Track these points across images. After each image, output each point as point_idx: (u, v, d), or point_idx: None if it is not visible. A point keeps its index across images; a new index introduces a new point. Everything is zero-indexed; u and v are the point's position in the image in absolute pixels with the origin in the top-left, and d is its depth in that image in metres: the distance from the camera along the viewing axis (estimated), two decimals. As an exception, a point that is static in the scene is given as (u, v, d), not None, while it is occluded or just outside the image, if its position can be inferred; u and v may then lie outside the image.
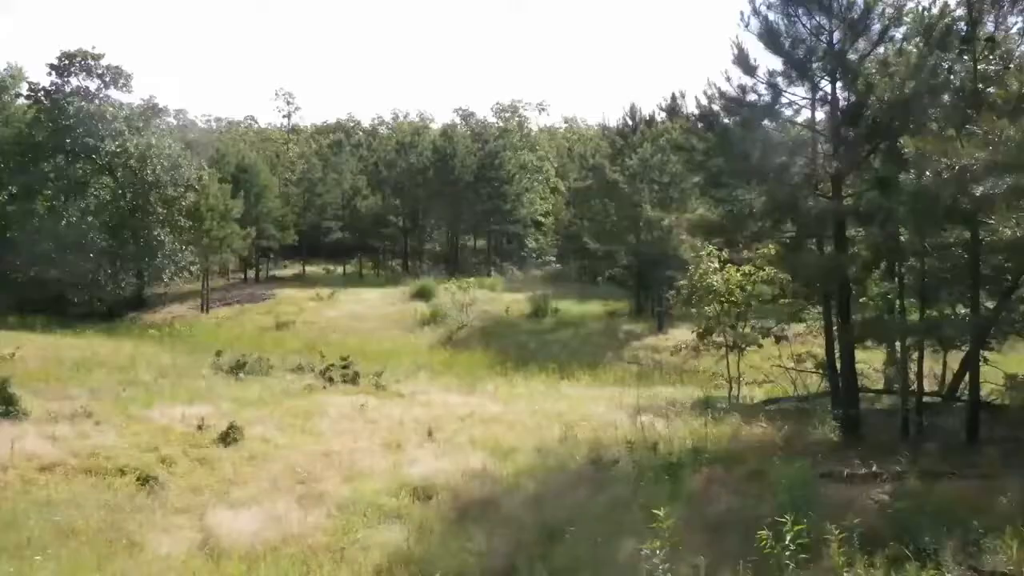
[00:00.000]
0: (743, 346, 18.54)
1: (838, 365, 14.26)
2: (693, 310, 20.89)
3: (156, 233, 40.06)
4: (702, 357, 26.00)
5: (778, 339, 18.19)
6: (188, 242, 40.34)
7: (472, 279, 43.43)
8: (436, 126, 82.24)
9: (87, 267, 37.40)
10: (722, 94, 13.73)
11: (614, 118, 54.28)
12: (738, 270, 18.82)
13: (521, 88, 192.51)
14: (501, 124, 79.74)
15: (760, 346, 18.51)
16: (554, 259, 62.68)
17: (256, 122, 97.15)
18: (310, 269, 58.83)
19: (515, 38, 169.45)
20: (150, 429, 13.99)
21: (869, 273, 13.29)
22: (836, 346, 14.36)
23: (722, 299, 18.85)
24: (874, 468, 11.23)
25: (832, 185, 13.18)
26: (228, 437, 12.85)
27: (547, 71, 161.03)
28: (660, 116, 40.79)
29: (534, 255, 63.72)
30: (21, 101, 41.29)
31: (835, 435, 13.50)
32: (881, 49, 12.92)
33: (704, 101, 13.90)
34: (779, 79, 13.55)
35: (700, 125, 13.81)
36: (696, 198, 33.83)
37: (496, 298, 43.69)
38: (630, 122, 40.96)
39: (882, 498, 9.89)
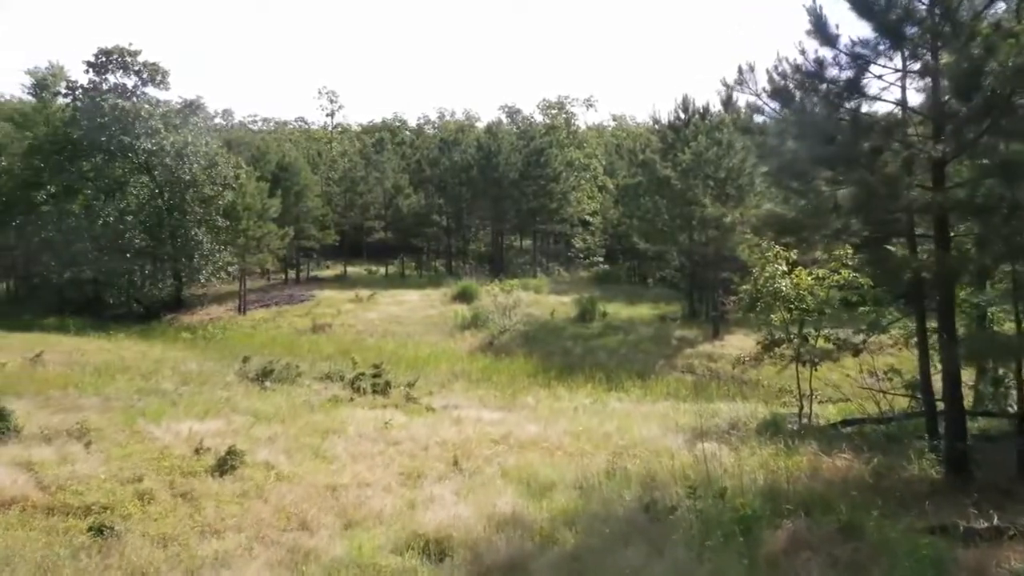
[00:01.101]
0: (816, 360, 16.30)
1: (934, 385, 12.08)
2: (758, 317, 18.65)
3: (193, 233, 39.19)
4: (762, 367, 23.79)
5: (855, 352, 15.89)
6: (225, 242, 39.40)
7: (516, 280, 41.72)
8: (482, 125, 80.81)
9: (123, 268, 36.64)
10: (796, 68, 11.64)
11: (665, 111, 52.24)
12: (810, 273, 16.61)
13: (568, 84, 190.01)
14: (547, 121, 77.84)
15: (836, 360, 16.24)
16: (602, 260, 60.51)
17: (306, 123, 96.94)
18: (352, 270, 57.76)
19: (563, 34, 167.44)
20: (145, 451, 12.49)
21: (988, 277, 11.08)
22: (930, 363, 12.21)
23: (791, 306, 16.64)
24: (996, 521, 9.08)
25: (933, 173, 10.98)
26: (225, 464, 11.25)
27: (595, 67, 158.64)
28: (715, 108, 38.37)
29: (581, 255, 61.61)
30: (61, 100, 40.79)
31: (936, 472, 11.31)
32: (998, 8, 10.70)
33: (776, 77, 11.84)
34: (866, 49, 11.41)
35: (773, 104, 11.66)
36: (755, 194, 31.49)
37: (541, 300, 41.84)
38: (682, 115, 38.64)
39: (1018, 568, 7.77)
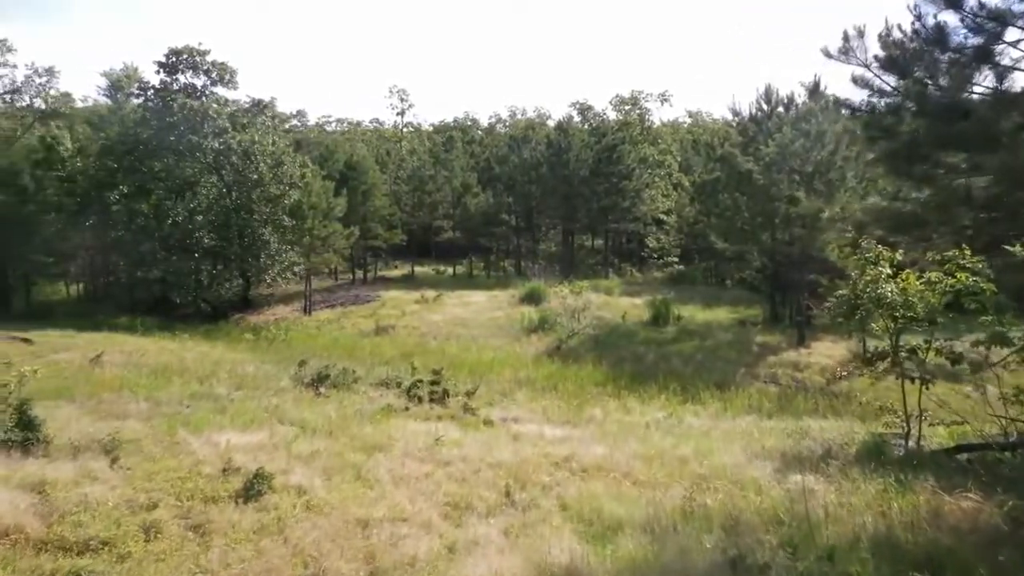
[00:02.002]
0: (927, 378, 14.15)
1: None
2: (853, 324, 16.52)
3: (261, 233, 38.93)
4: (855, 378, 21.55)
5: (975, 368, 13.69)
6: (291, 242, 39.03)
7: (586, 281, 40.01)
8: (553, 123, 79.16)
9: (191, 267, 36.60)
10: (916, 33, 9.74)
11: (745, 103, 49.01)
12: (919, 277, 14.44)
13: (642, 80, 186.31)
14: (620, 117, 75.70)
15: (954, 376, 14.06)
16: (676, 260, 58.15)
17: (380, 124, 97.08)
18: (419, 270, 57.08)
19: (637, 29, 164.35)
20: (174, 469, 11.46)
21: None
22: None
23: (897, 314, 14.52)
24: None
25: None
26: (251, 489, 10.07)
27: (670, 62, 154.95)
28: (800, 98, 35.77)
29: (654, 255, 59.36)
30: (134, 101, 41.18)
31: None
32: None
33: (891, 44, 9.95)
34: (998, 12, 9.44)
35: (886, 77, 9.77)
36: (846, 190, 29.00)
37: (612, 303, 40.08)
38: (765, 107, 36.18)
39: None
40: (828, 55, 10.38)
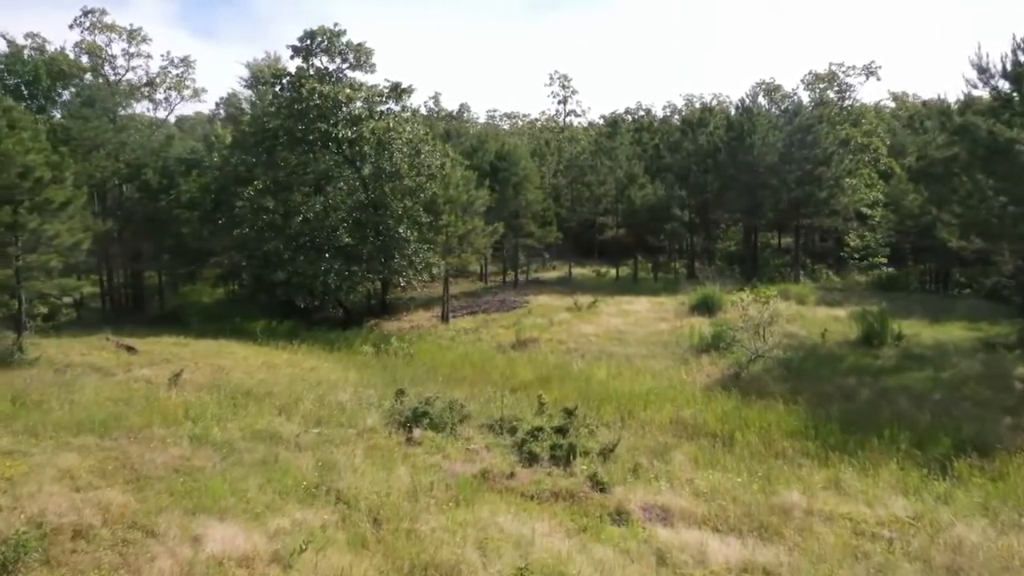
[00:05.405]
0: None
1: None
2: None
3: (396, 229, 35.01)
4: None
5: None
6: (428, 240, 34.80)
7: (773, 287, 32.49)
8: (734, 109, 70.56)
9: (320, 268, 33.26)
10: None
11: (996, 55, 38.18)
12: None
13: (838, 56, 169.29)
14: (816, 96, 65.85)
15: None
16: (885, 261, 48.48)
17: (551, 118, 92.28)
18: (578, 271, 51.52)
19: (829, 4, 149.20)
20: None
21: None
22: None
23: None
24: None
25: None
26: None
27: (870, 39, 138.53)
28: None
29: (856, 256, 49.96)
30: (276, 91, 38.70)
31: None
32: None
33: None
34: None
35: None
36: None
37: (806, 314, 32.41)
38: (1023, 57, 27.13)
39: None
40: None
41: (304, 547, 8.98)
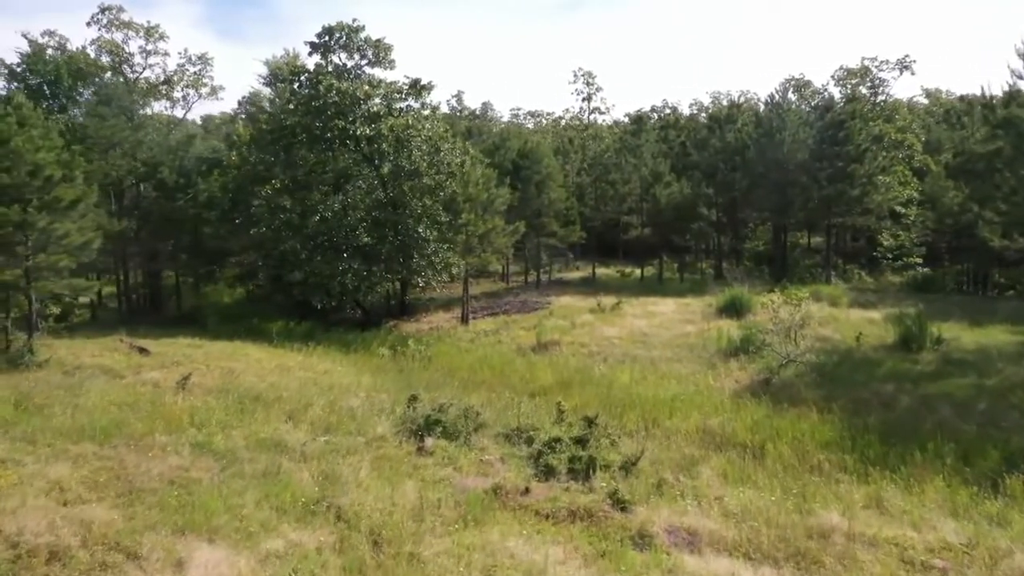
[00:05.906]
0: None
1: None
2: None
3: (415, 229, 34.25)
4: None
5: None
6: (448, 239, 34.01)
7: (804, 288, 31.23)
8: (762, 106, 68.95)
9: (336, 268, 32.61)
10: None
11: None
12: None
13: (868, 51, 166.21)
14: (847, 92, 64.10)
15: None
16: (920, 261, 46.86)
17: (577, 117, 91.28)
18: (602, 272, 50.43)
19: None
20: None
21: None
22: None
23: None
24: None
25: None
26: None
27: (902, 34, 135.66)
28: None
29: (889, 256, 48.37)
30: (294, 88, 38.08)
31: None
32: None
33: None
34: None
35: None
36: None
37: (839, 316, 31.15)
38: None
39: None
40: None
41: (294, 574, 8.19)
